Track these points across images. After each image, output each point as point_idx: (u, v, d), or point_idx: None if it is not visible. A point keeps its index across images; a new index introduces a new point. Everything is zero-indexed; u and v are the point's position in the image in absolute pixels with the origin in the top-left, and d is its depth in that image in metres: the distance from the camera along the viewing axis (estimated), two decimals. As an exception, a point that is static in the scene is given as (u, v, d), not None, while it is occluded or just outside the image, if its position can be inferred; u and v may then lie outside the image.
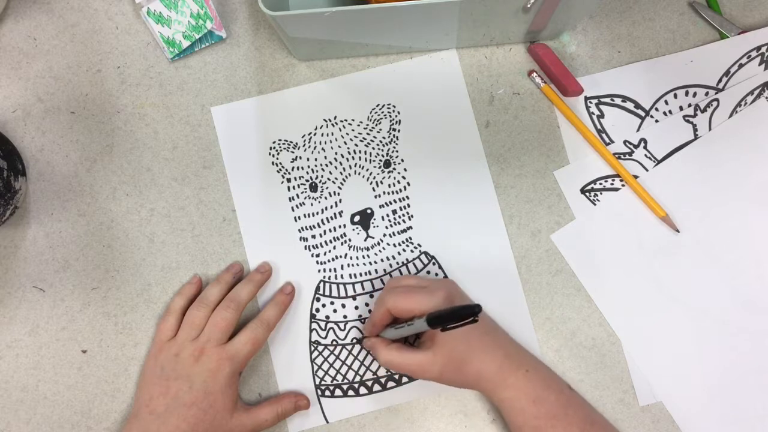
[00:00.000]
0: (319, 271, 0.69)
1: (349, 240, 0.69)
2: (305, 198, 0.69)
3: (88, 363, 0.68)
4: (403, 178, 0.70)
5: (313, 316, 0.68)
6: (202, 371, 0.61)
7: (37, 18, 0.71)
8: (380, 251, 0.69)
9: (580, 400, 0.64)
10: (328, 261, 0.69)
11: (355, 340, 0.68)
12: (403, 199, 0.69)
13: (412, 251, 0.69)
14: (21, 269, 0.68)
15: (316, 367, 0.68)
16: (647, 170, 0.69)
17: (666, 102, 0.70)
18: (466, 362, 0.60)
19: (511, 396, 0.60)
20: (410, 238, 0.69)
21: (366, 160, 0.70)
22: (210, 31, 0.69)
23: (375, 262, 0.69)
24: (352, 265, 0.69)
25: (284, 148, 0.70)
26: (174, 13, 0.69)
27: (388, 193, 0.69)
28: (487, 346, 0.61)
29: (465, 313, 0.51)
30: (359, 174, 0.69)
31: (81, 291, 0.69)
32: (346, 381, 0.68)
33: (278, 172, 0.70)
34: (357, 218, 0.69)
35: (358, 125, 0.70)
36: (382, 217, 0.69)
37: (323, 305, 0.68)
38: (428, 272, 0.69)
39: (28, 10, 0.71)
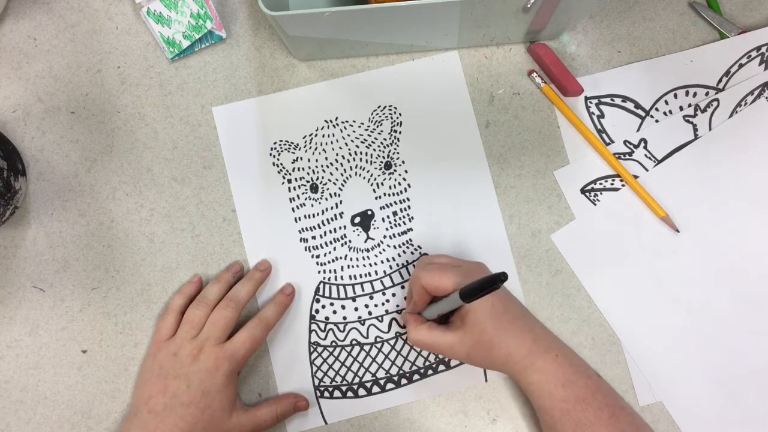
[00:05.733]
0: (319, 272, 0.69)
1: (350, 241, 0.69)
2: (306, 199, 0.69)
3: (88, 363, 0.68)
4: (404, 179, 0.70)
5: (312, 317, 0.68)
6: (199, 370, 0.61)
7: (37, 18, 0.71)
8: (380, 253, 0.69)
9: (607, 386, 0.64)
10: (328, 262, 0.69)
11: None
12: (404, 201, 0.69)
13: (412, 253, 0.69)
14: (21, 269, 0.69)
15: (315, 368, 0.68)
16: (647, 170, 0.69)
17: (666, 102, 0.70)
18: (495, 344, 0.60)
19: (539, 379, 0.60)
20: (410, 240, 0.69)
21: (367, 161, 0.70)
22: (210, 31, 0.69)
23: (375, 264, 0.69)
24: (352, 266, 0.69)
25: (285, 149, 0.70)
26: (174, 13, 0.69)
27: (389, 195, 0.69)
28: (517, 329, 0.61)
29: (492, 281, 0.51)
30: (360, 175, 0.69)
31: (81, 291, 0.69)
32: (345, 382, 0.68)
33: (279, 172, 0.70)
34: (357, 219, 0.69)
35: (360, 126, 0.70)
36: (383, 219, 0.69)
37: (323, 306, 0.69)
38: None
39: (28, 10, 0.71)
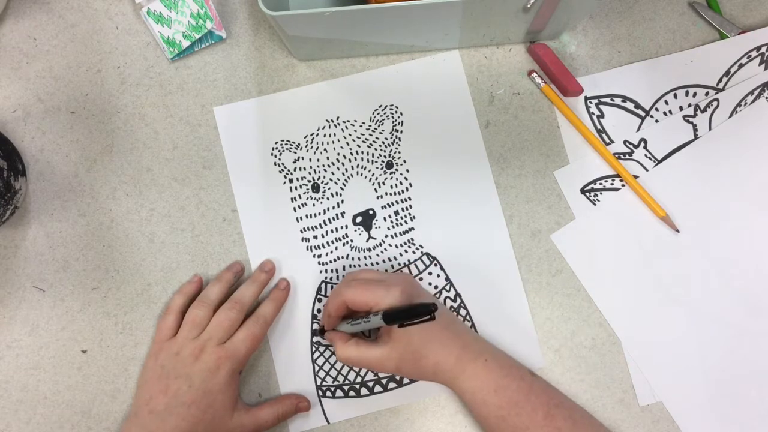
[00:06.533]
0: (321, 271, 0.69)
1: (351, 241, 0.69)
2: (307, 198, 0.69)
3: (88, 363, 0.68)
4: (405, 179, 0.70)
5: (314, 316, 0.68)
6: (201, 370, 0.61)
7: (37, 18, 0.70)
8: (382, 252, 0.69)
9: (542, 384, 0.63)
10: (330, 261, 0.69)
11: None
12: (405, 200, 0.69)
13: (413, 252, 0.69)
14: (21, 269, 0.68)
15: (317, 368, 0.68)
16: (647, 170, 0.70)
17: (666, 102, 0.70)
18: (422, 356, 0.60)
19: (472, 387, 0.60)
20: (412, 239, 0.69)
21: (368, 161, 0.70)
22: (210, 31, 0.69)
23: (377, 263, 0.69)
24: (354, 265, 0.69)
25: (287, 149, 0.70)
26: (174, 13, 0.69)
27: (390, 194, 0.69)
28: (445, 338, 0.61)
29: (420, 312, 0.51)
30: (361, 175, 0.69)
31: (81, 291, 0.68)
32: (347, 382, 0.68)
33: (280, 172, 0.70)
34: (359, 219, 0.69)
35: (361, 126, 0.70)
36: (384, 218, 0.69)
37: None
38: (430, 273, 0.69)
39: (28, 10, 0.71)
